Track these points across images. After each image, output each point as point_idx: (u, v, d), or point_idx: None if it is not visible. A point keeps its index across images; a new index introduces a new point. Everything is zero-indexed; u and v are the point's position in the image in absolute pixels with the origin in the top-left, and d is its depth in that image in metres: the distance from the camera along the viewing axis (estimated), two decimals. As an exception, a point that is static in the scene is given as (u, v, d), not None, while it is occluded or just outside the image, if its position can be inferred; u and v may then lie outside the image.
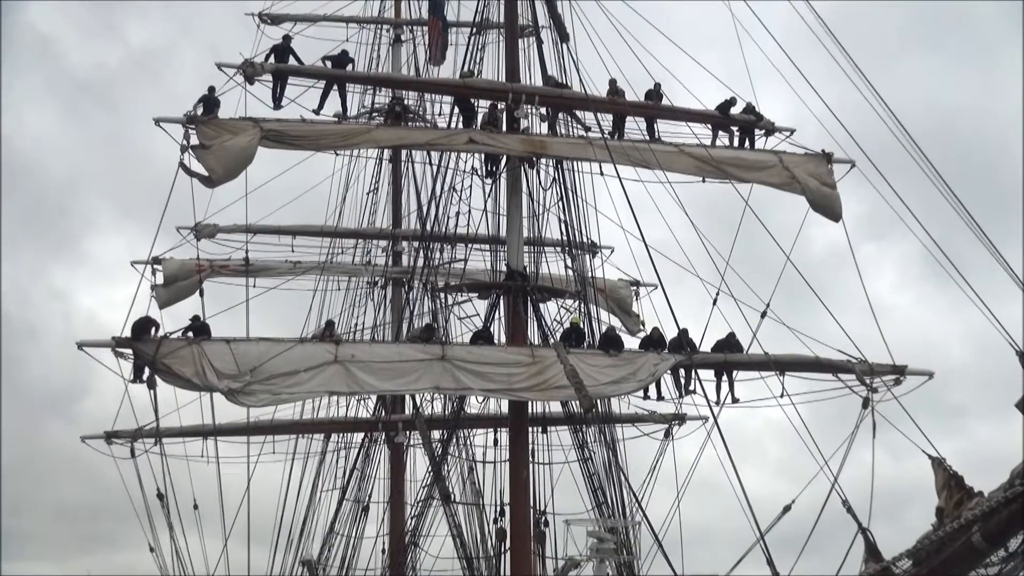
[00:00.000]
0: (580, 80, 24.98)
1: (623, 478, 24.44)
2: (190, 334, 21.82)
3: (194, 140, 21.89)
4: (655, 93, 25.24)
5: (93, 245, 69.31)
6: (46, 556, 53.98)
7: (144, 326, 21.64)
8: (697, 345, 23.68)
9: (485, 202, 25.25)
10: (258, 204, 26.33)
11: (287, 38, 24.88)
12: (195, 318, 22.34)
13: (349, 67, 26.04)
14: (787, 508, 21.25)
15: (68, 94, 72.17)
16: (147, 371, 21.34)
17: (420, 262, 25.87)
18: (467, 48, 25.83)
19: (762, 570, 17.54)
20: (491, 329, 24.10)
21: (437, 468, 25.51)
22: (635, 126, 25.18)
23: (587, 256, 26.56)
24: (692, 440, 27.38)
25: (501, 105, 24.38)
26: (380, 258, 33.80)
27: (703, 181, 24.47)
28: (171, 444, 25.45)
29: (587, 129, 24.89)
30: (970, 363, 55.40)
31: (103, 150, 70.46)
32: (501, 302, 24.44)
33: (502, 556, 24.49)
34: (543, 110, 24.90)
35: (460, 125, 24.55)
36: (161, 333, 21.65)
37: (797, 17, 20.76)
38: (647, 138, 24.87)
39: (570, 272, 25.77)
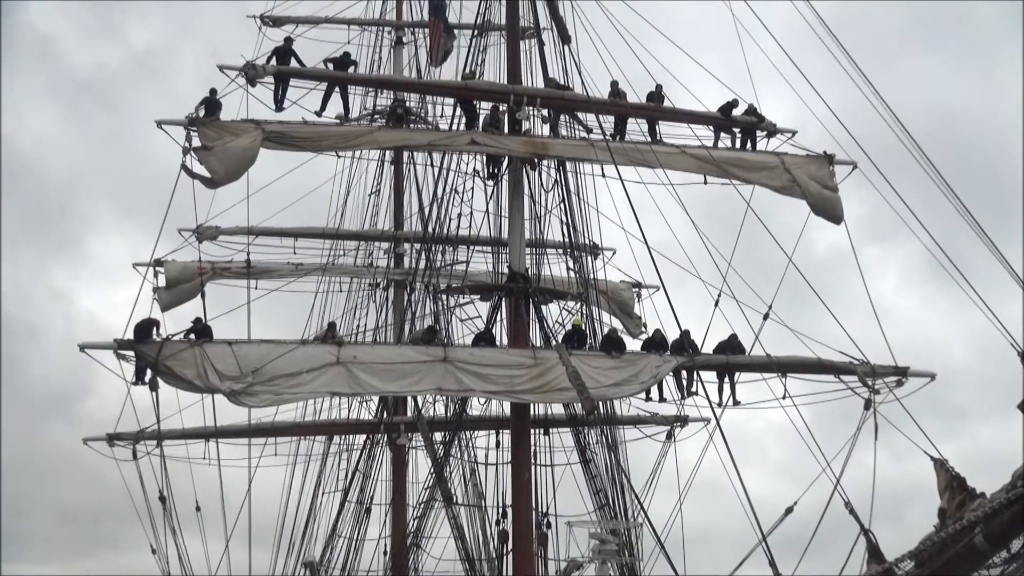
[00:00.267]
0: (582, 82, 25.01)
1: (625, 480, 24.43)
2: (192, 336, 21.84)
3: (196, 142, 21.92)
4: (657, 95, 25.25)
5: (94, 246, 69.40)
6: (46, 558, 54.07)
7: (146, 328, 21.67)
8: (699, 347, 23.68)
9: (487, 204, 25.29)
10: (260, 206, 26.37)
11: (289, 40, 24.92)
12: (197, 320, 22.37)
13: (351, 69, 26.06)
14: (789, 510, 21.21)
15: (69, 94, 72.30)
16: (149, 373, 21.38)
17: (422, 264, 25.85)
18: (469, 50, 25.87)
19: (764, 571, 17.56)
20: (493, 331, 24.09)
21: (439, 470, 25.52)
22: (637, 128, 25.21)
23: (589, 258, 26.52)
24: (694, 442, 27.39)
25: (503, 107, 24.39)
26: (382, 260, 33.83)
27: (705, 182, 24.48)
28: (173, 446, 25.50)
29: (589, 131, 24.90)
30: (972, 364, 55.38)
31: (104, 151, 70.66)
32: (503, 304, 24.44)
33: (504, 558, 24.47)
34: (545, 112, 24.89)
35: (462, 127, 24.56)
36: (163, 335, 21.69)
37: (798, 17, 20.81)
38: (649, 140, 24.87)
39: (572, 274, 25.77)
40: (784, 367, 23.04)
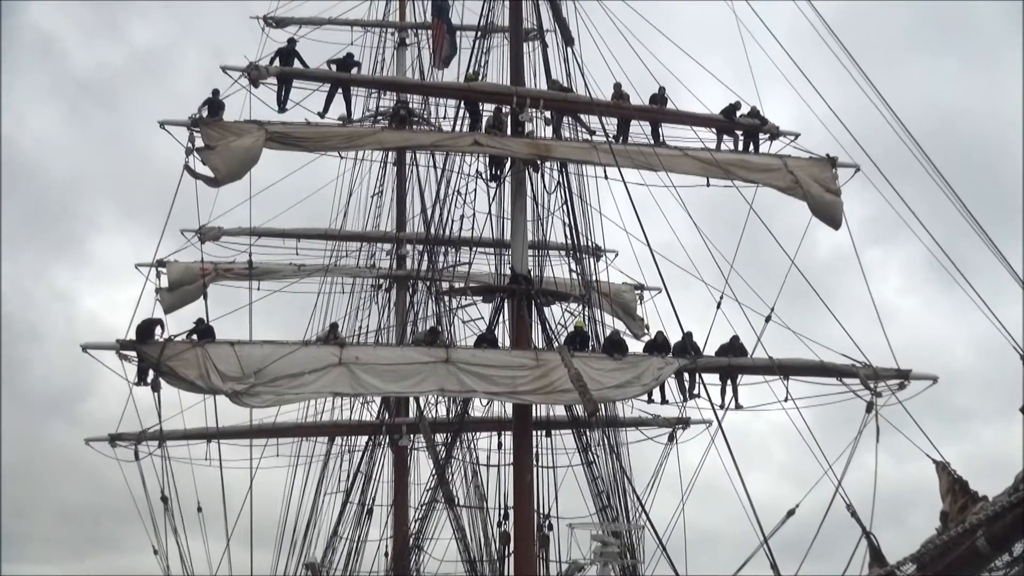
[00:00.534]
0: (585, 84, 25.03)
1: (627, 482, 24.43)
2: (194, 337, 21.85)
3: (199, 143, 21.95)
4: (660, 97, 25.25)
5: (95, 246, 69.44)
6: (47, 558, 54.06)
7: (148, 328, 21.67)
8: (701, 349, 23.67)
9: (489, 205, 25.27)
10: (262, 207, 26.33)
11: (292, 41, 24.92)
12: (199, 321, 22.37)
13: (354, 70, 26.07)
14: (791, 512, 21.19)
15: (70, 94, 72.33)
16: (151, 373, 21.39)
17: (424, 265, 25.84)
18: (472, 51, 25.88)
19: (766, 574, 17.56)
20: (495, 332, 24.10)
21: (441, 471, 25.52)
22: (640, 130, 25.21)
23: (591, 260, 26.52)
24: (696, 444, 27.38)
25: (506, 109, 24.40)
26: (384, 261, 33.82)
27: (707, 184, 24.48)
28: (175, 447, 25.53)
29: (592, 133, 24.91)
30: (975, 367, 55.37)
31: (105, 151, 70.63)
32: (505, 305, 24.44)
33: (505, 559, 24.46)
34: (548, 114, 24.88)
35: (465, 128, 24.57)
36: (165, 336, 21.70)
37: (801, 19, 20.77)
38: (651, 142, 24.88)
39: (574, 276, 25.76)
40: (786, 370, 23.01)
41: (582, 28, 25.16)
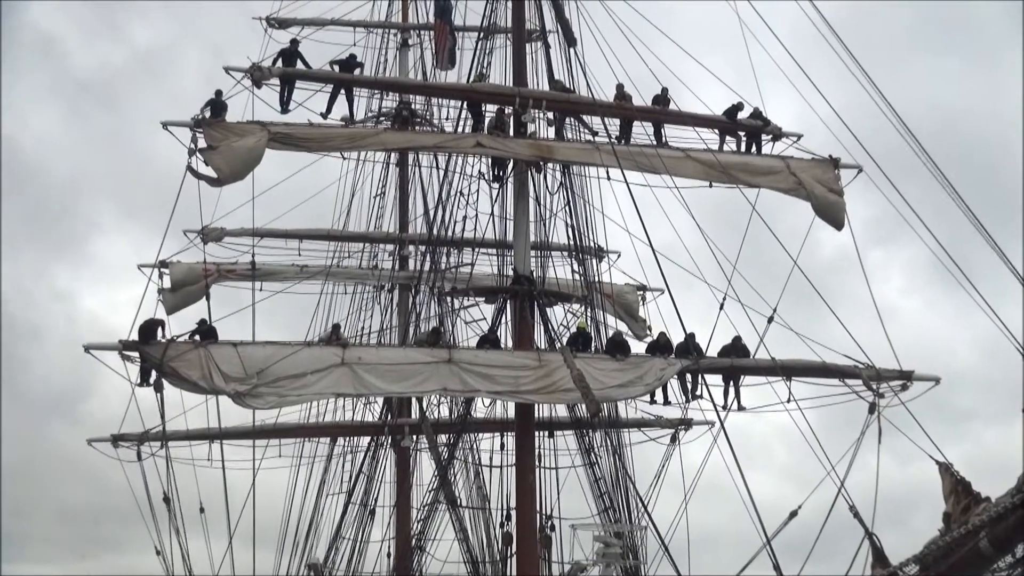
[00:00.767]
0: (587, 84, 25.03)
1: (629, 483, 24.41)
2: (197, 337, 21.85)
3: (201, 143, 21.97)
4: (662, 98, 25.25)
5: (97, 246, 69.43)
6: (47, 558, 54.05)
7: (150, 329, 21.68)
8: (704, 350, 23.65)
9: (492, 206, 25.26)
10: (265, 208, 26.37)
11: (295, 42, 24.93)
12: (202, 322, 22.38)
13: (357, 71, 26.09)
14: (793, 513, 21.19)
15: (71, 94, 72.28)
16: (154, 374, 21.39)
17: (427, 266, 25.84)
18: (475, 52, 25.88)
19: (768, 574, 17.55)
20: (498, 333, 24.09)
21: (443, 472, 25.51)
22: (642, 131, 25.21)
23: (594, 260, 26.50)
24: (698, 445, 27.35)
25: (508, 109, 24.40)
26: (387, 262, 33.81)
27: (710, 186, 24.49)
28: (177, 447, 25.51)
29: (594, 134, 24.91)
30: (977, 368, 55.35)
31: (106, 151, 70.61)
32: (508, 306, 24.43)
33: (508, 560, 24.46)
34: (550, 115, 24.88)
35: (468, 129, 24.57)
36: (168, 336, 21.71)
37: (803, 19, 20.74)
38: (654, 143, 24.88)
39: (577, 276, 25.75)
40: (789, 371, 23.01)
41: (584, 29, 25.18)
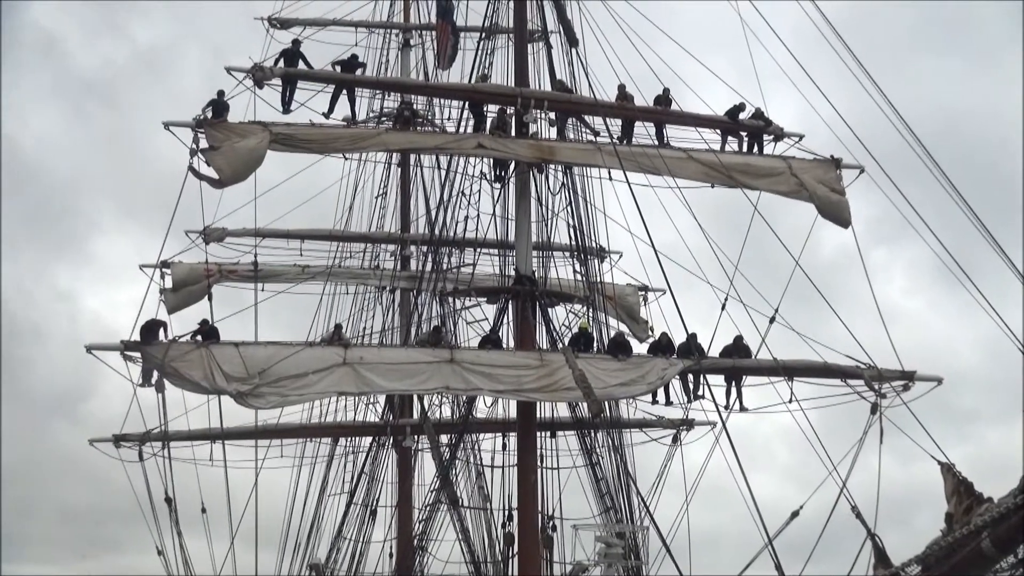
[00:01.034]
0: (589, 85, 25.02)
1: (631, 483, 24.41)
2: (199, 338, 21.85)
3: (203, 144, 21.97)
4: (664, 98, 25.25)
5: (98, 246, 69.44)
6: (48, 559, 54.05)
7: (152, 329, 21.69)
8: (706, 350, 23.64)
9: (494, 207, 25.25)
10: (266, 208, 26.39)
11: (296, 42, 24.97)
12: (204, 322, 22.41)
13: (359, 72, 26.10)
14: (795, 513, 21.19)
15: (72, 94, 72.25)
16: (155, 374, 21.40)
17: (429, 266, 25.84)
18: (476, 53, 25.87)
19: (770, 575, 17.54)
20: (500, 334, 24.09)
21: (445, 472, 25.51)
22: (644, 131, 25.21)
23: (595, 261, 26.49)
24: (700, 445, 27.37)
25: (510, 110, 24.40)
26: (388, 262, 33.81)
27: (712, 187, 24.50)
28: (178, 447, 25.52)
29: (596, 134, 24.91)
30: (980, 368, 55.31)
31: (107, 150, 70.56)
32: (510, 307, 24.42)
33: (510, 561, 24.45)
34: (552, 115, 24.89)
35: (469, 129, 24.57)
36: (169, 337, 21.71)
37: (805, 20, 20.72)
38: (656, 143, 24.88)
39: (579, 277, 25.75)
40: (791, 371, 22.99)
41: (586, 29, 25.16)
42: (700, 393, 23.89)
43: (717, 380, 23.82)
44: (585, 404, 22.52)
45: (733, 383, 24.01)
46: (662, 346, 24.10)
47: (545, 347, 23.85)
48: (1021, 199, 35.33)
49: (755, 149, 25.49)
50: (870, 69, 19.72)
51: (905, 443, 20.78)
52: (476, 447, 28.19)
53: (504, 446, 26.30)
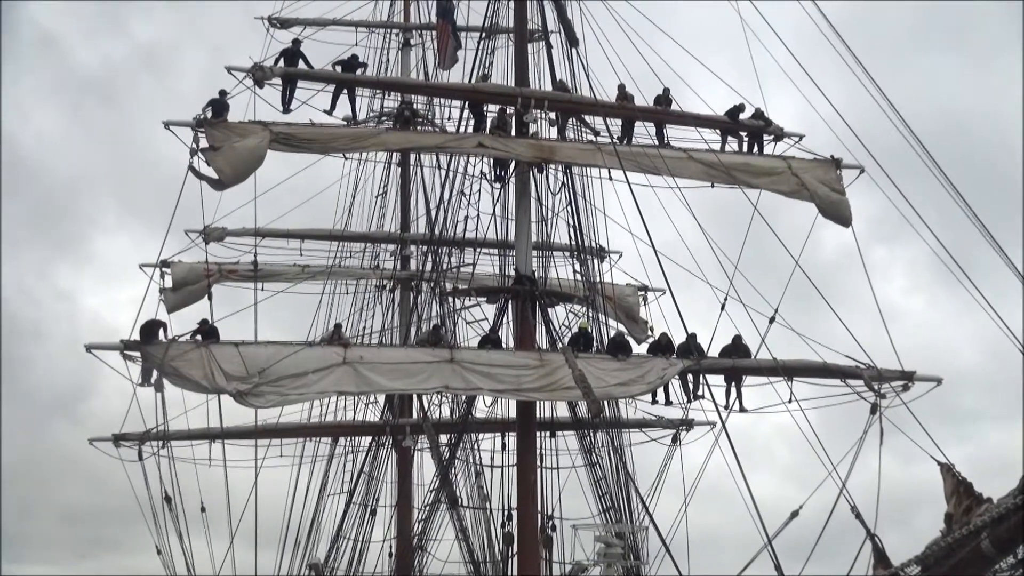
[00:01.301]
0: (589, 84, 25.03)
1: (631, 483, 24.41)
2: (198, 337, 21.85)
3: (203, 143, 21.96)
4: (664, 98, 25.25)
5: (98, 245, 69.37)
6: (49, 559, 54.04)
7: (152, 329, 21.69)
8: (705, 350, 23.63)
9: (494, 206, 25.27)
10: (266, 207, 26.39)
11: (297, 42, 24.97)
12: (203, 321, 22.39)
13: (360, 71, 26.10)
14: (795, 513, 21.18)
15: (72, 93, 72.12)
16: (155, 374, 21.39)
17: (428, 266, 25.84)
18: (476, 52, 25.87)
19: (769, 575, 17.54)
20: (499, 333, 24.09)
21: (444, 472, 25.52)
22: (644, 131, 25.21)
23: (595, 261, 26.50)
24: (700, 445, 27.38)
25: (510, 110, 24.41)
26: (388, 262, 33.80)
27: (712, 187, 24.50)
28: (178, 447, 25.52)
29: (596, 134, 24.91)
30: (980, 367, 55.30)
31: (107, 149, 70.53)
32: (509, 306, 24.42)
33: (509, 560, 24.45)
34: (552, 115, 24.89)
35: (470, 129, 24.57)
36: (169, 336, 21.71)
37: (805, 19, 20.72)
38: (656, 143, 24.88)
39: (578, 277, 25.75)
40: (790, 371, 22.98)
41: (586, 29, 25.18)
42: (700, 393, 23.89)
43: (717, 380, 23.83)
44: (585, 404, 22.53)
45: (733, 383, 24.00)
46: (662, 346, 24.10)
47: (545, 347, 23.86)
48: (1021, 198, 35.36)
49: (755, 149, 25.49)
50: (870, 69, 19.74)
51: (905, 443, 20.80)
52: (476, 447, 28.21)
53: (504, 446, 26.34)
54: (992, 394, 54.58)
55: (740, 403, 24.00)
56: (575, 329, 24.37)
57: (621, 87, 25.02)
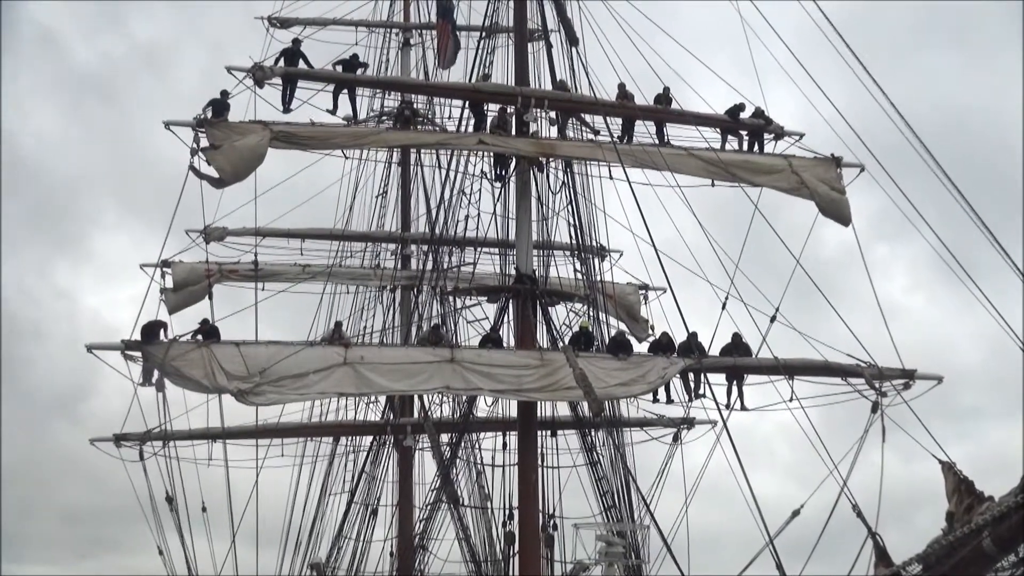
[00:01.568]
0: (590, 84, 25.02)
1: (632, 482, 24.41)
2: (199, 337, 21.85)
3: (204, 143, 21.97)
4: (664, 97, 25.24)
5: (98, 244, 69.42)
6: (49, 559, 54.04)
7: (153, 329, 21.69)
8: (706, 349, 23.63)
9: (494, 206, 25.27)
10: (267, 207, 26.40)
11: (297, 41, 24.97)
12: (204, 321, 22.40)
13: (360, 71, 26.10)
14: (796, 512, 21.13)
15: (72, 91, 72.17)
16: (156, 373, 21.39)
17: (429, 265, 25.84)
18: (477, 52, 25.87)
19: (771, 573, 17.56)
20: (500, 333, 24.09)
21: (445, 472, 25.51)
22: (644, 130, 25.21)
23: (596, 260, 26.50)
24: (701, 444, 27.37)
25: (510, 109, 24.40)
26: (389, 261, 33.81)
27: (712, 185, 24.50)
28: (179, 447, 25.49)
29: (596, 133, 24.90)
30: (981, 366, 55.35)
31: (107, 148, 70.57)
32: (510, 306, 24.42)
33: (510, 559, 24.46)
34: (552, 114, 24.88)
35: (470, 128, 24.57)
36: (170, 336, 21.71)
37: (805, 18, 20.69)
38: (656, 142, 24.87)
39: (579, 276, 25.76)
40: (791, 370, 22.95)
41: (586, 28, 25.17)
42: (701, 392, 23.88)
43: (718, 379, 23.79)
44: (586, 403, 22.51)
45: (734, 382, 23.99)
46: (663, 345, 24.09)
47: (546, 346, 23.86)
48: (1021, 196, 35.36)
49: (755, 148, 25.48)
50: (870, 67, 19.67)
51: (906, 442, 20.80)
52: (477, 446, 28.22)
53: (505, 445, 26.37)
54: (993, 392, 54.64)
55: (741, 402, 23.98)
56: (576, 328, 24.36)
57: (621, 86, 25.01)
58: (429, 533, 25.93)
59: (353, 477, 32.10)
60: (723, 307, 23.23)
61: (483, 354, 22.69)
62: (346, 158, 32.17)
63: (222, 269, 29.03)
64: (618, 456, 24.58)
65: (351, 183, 34.20)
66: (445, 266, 25.45)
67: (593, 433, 24.65)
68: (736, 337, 23.80)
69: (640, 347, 25.06)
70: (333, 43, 29.93)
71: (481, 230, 25.31)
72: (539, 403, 23.74)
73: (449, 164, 25.81)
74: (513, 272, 24.72)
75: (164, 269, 27.43)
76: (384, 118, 32.80)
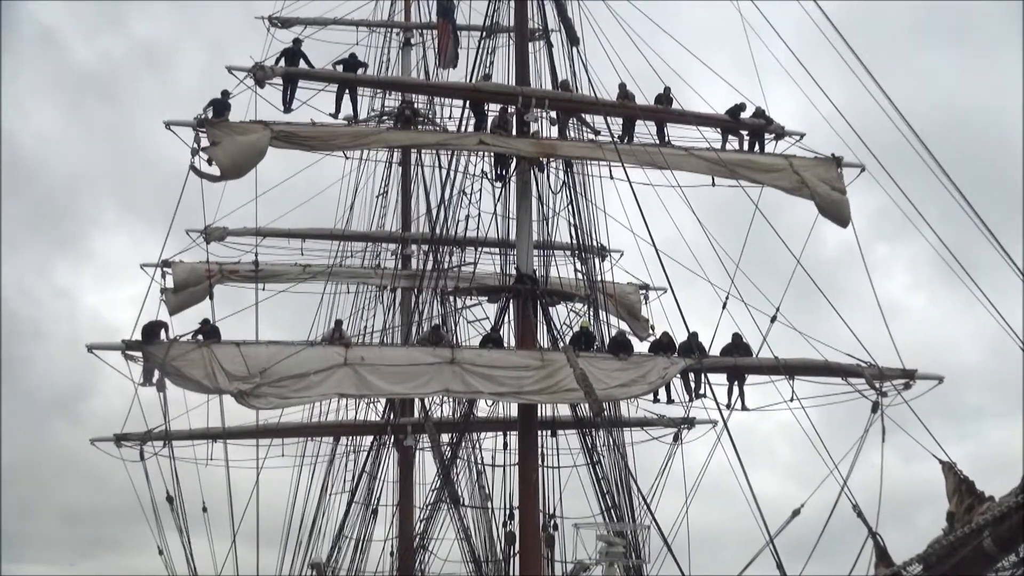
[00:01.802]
0: (590, 83, 25.03)
1: (632, 482, 24.40)
2: (200, 337, 21.85)
3: (204, 143, 21.97)
4: (665, 97, 25.24)
5: (98, 243, 69.40)
6: (49, 559, 54.04)
7: (154, 329, 21.68)
8: (707, 349, 23.63)
9: (495, 206, 25.26)
10: (267, 207, 26.41)
11: (297, 41, 24.98)
12: (205, 321, 22.40)
13: (360, 71, 26.10)
14: (796, 512, 21.13)
15: (72, 91, 72.16)
16: (157, 374, 21.39)
17: (430, 265, 25.84)
18: (477, 52, 25.87)
19: (771, 573, 17.55)
20: (501, 333, 24.08)
21: (446, 471, 25.51)
22: (645, 130, 25.21)
23: (596, 259, 26.49)
24: (701, 443, 27.38)
25: (511, 109, 24.40)
26: (389, 261, 33.80)
27: (712, 184, 24.50)
28: (180, 447, 25.51)
29: (596, 133, 24.91)
30: (982, 365, 55.34)
31: (107, 147, 70.59)
32: (511, 306, 24.42)
33: (511, 559, 24.46)
34: (553, 114, 24.88)
35: (471, 128, 24.57)
36: (170, 336, 21.71)
37: (806, 17, 20.69)
38: (657, 142, 24.87)
39: (580, 275, 25.76)
40: (792, 370, 22.95)
41: (587, 28, 25.19)
42: (702, 392, 23.88)
43: (718, 379, 23.79)
44: (586, 404, 22.50)
45: (734, 382, 23.99)
46: (663, 345, 24.08)
47: (546, 346, 23.85)
48: (1021, 196, 35.35)
49: (756, 148, 25.48)
50: (871, 67, 19.67)
51: (906, 441, 20.81)
52: (477, 446, 28.21)
53: (505, 445, 26.36)
54: (993, 392, 54.65)
55: (742, 401, 23.98)
56: (576, 328, 24.35)
57: (622, 86, 25.02)
58: (429, 533, 25.93)
59: (353, 477, 32.13)
60: (723, 307, 23.24)
61: (483, 355, 22.68)
62: (347, 158, 32.23)
63: (223, 269, 29.00)
64: (618, 456, 24.58)
65: (351, 183, 34.26)
66: (445, 266, 25.44)
67: (593, 433, 24.64)
68: (736, 337, 23.81)
69: (641, 347, 25.08)
70: (334, 43, 29.96)
71: (481, 230, 25.33)
72: (540, 404, 23.71)
73: (450, 164, 25.83)
74: (513, 272, 24.71)
75: (164, 269, 27.43)
76: (385, 118, 32.81)
